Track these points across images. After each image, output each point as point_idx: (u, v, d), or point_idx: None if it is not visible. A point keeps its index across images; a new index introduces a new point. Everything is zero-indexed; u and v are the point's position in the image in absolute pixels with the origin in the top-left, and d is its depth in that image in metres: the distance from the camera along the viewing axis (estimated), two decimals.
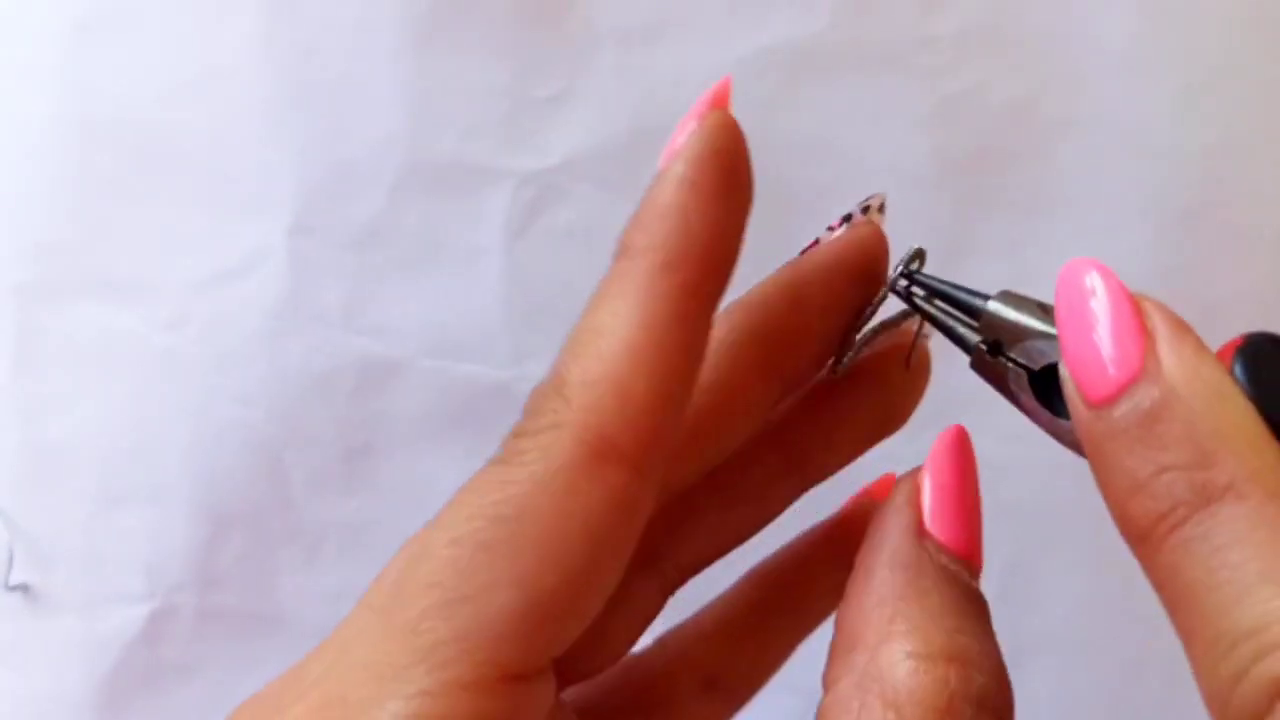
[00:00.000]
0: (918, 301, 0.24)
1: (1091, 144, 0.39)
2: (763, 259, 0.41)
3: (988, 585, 0.21)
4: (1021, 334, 0.22)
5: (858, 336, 0.24)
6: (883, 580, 0.21)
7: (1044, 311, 0.22)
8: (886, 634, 0.20)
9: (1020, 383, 0.22)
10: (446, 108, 0.39)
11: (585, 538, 0.19)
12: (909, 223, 0.40)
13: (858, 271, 0.25)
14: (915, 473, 0.22)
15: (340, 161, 0.39)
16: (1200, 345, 0.19)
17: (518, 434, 0.20)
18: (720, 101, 0.22)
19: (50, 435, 0.40)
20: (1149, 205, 0.40)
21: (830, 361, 0.25)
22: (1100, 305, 0.20)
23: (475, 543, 0.19)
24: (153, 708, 0.39)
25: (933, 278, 0.24)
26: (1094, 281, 0.20)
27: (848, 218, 0.25)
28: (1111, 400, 0.19)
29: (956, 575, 0.21)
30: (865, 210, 0.26)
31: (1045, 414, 0.21)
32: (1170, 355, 0.19)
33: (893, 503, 0.22)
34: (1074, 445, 0.21)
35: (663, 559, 0.24)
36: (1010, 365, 0.22)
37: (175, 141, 0.39)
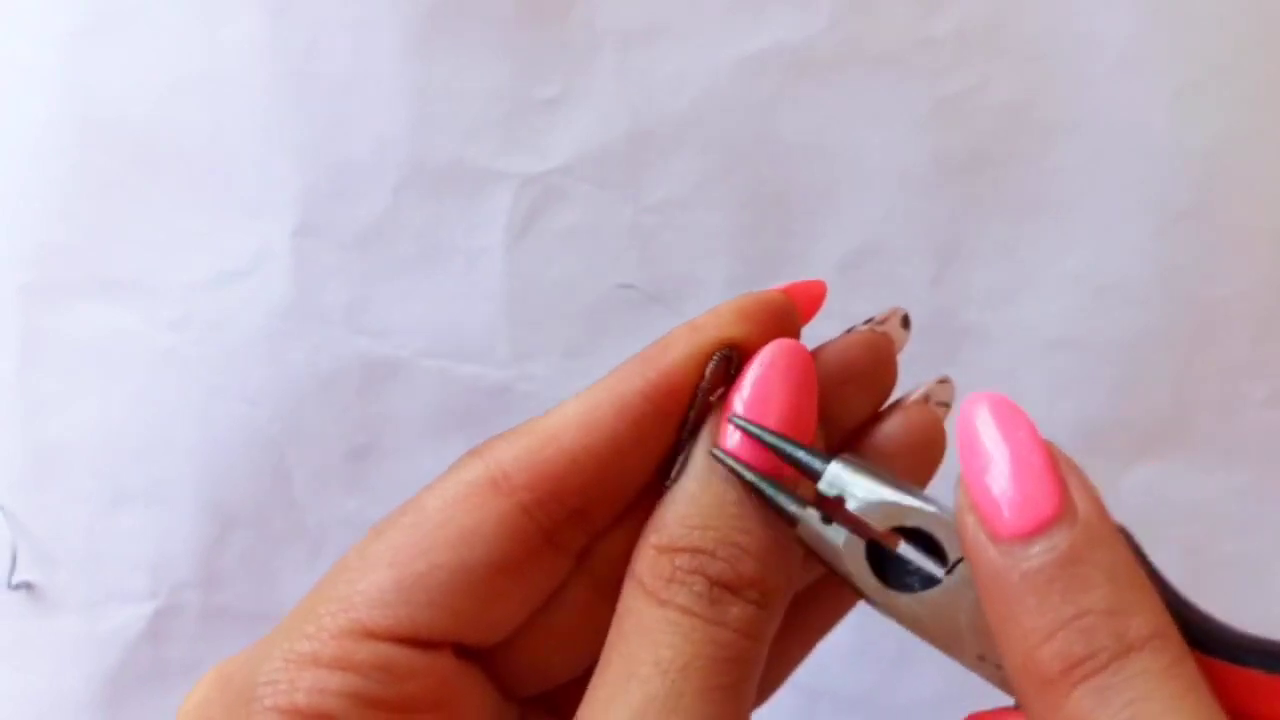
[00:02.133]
0: (731, 464, 0.23)
1: (1090, 144, 0.39)
2: (763, 258, 0.41)
3: None
4: (871, 496, 0.21)
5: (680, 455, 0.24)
6: (674, 487, 0.23)
7: (887, 478, 0.22)
8: (650, 531, 0.23)
9: (855, 552, 0.21)
10: (447, 109, 0.39)
11: (458, 541, 0.23)
12: (909, 223, 0.40)
13: (858, 381, 0.25)
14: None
15: (342, 162, 0.39)
16: (1099, 495, 0.20)
17: (465, 454, 0.24)
18: (792, 292, 0.25)
19: (54, 435, 0.40)
20: (1149, 205, 0.40)
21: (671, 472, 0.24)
22: (1008, 441, 0.20)
23: (379, 531, 0.23)
24: (156, 707, 0.40)
25: (765, 429, 0.23)
26: (999, 417, 0.20)
27: (868, 321, 0.26)
28: (1025, 537, 0.19)
29: (739, 485, 0.23)
30: (868, 322, 0.26)
31: (878, 587, 0.21)
32: (1083, 500, 0.19)
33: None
34: (911, 619, 0.21)
35: (613, 587, 0.25)
36: (848, 533, 0.21)
37: (177, 142, 0.39)
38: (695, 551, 0.22)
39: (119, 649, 0.39)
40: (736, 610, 0.22)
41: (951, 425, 0.22)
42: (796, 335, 0.25)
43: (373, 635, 0.22)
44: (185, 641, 0.40)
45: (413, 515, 0.23)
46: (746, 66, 0.39)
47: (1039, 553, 0.19)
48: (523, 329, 0.40)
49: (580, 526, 0.24)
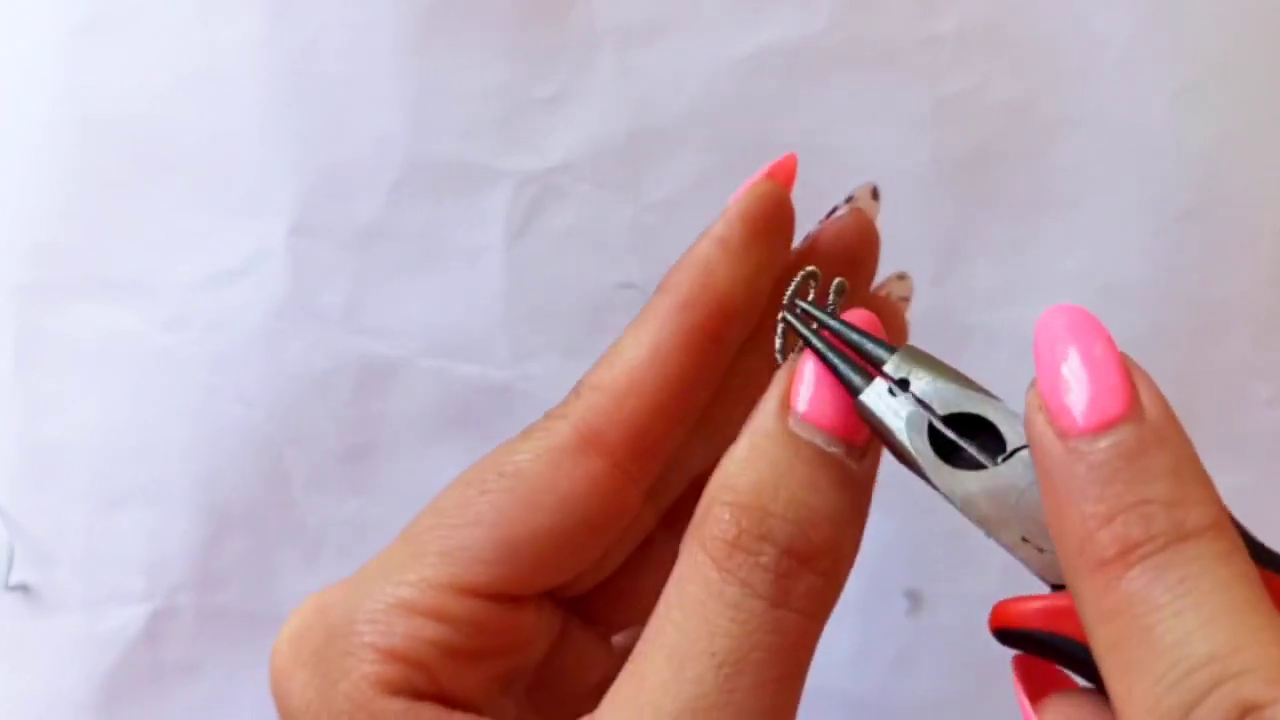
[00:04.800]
0: (805, 332, 0.23)
1: (1091, 144, 0.39)
2: None
3: None
4: (936, 381, 0.22)
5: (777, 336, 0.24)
6: (740, 443, 0.23)
7: (950, 369, 0.22)
8: (715, 487, 0.23)
9: (917, 426, 0.22)
10: (446, 108, 0.39)
11: (558, 507, 0.24)
12: (909, 223, 0.40)
13: (844, 262, 0.27)
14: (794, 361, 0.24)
15: (340, 161, 0.39)
16: (1169, 403, 0.20)
17: (545, 416, 0.25)
18: (777, 173, 0.27)
19: (51, 435, 0.40)
20: (1149, 205, 0.40)
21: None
22: (1083, 350, 0.20)
23: (477, 488, 0.24)
24: (153, 708, 0.39)
25: (836, 318, 0.23)
26: (1076, 326, 0.21)
27: (833, 211, 0.28)
28: (1093, 432, 0.19)
29: (811, 446, 0.22)
30: (849, 200, 0.27)
31: (936, 462, 0.22)
32: (1151, 400, 0.20)
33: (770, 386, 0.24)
34: (962, 495, 0.21)
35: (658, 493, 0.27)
36: (911, 407, 0.22)
37: (175, 141, 0.39)
38: (764, 513, 0.22)
39: (116, 650, 0.39)
40: (803, 586, 0.22)
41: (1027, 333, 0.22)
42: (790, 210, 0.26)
43: (471, 592, 0.23)
44: (182, 642, 0.40)
45: (512, 478, 0.24)
46: (746, 66, 0.39)
47: (1105, 446, 0.19)
48: (522, 329, 0.40)
49: (663, 464, 0.25)
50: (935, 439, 0.22)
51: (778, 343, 0.24)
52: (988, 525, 0.22)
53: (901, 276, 0.29)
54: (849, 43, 0.39)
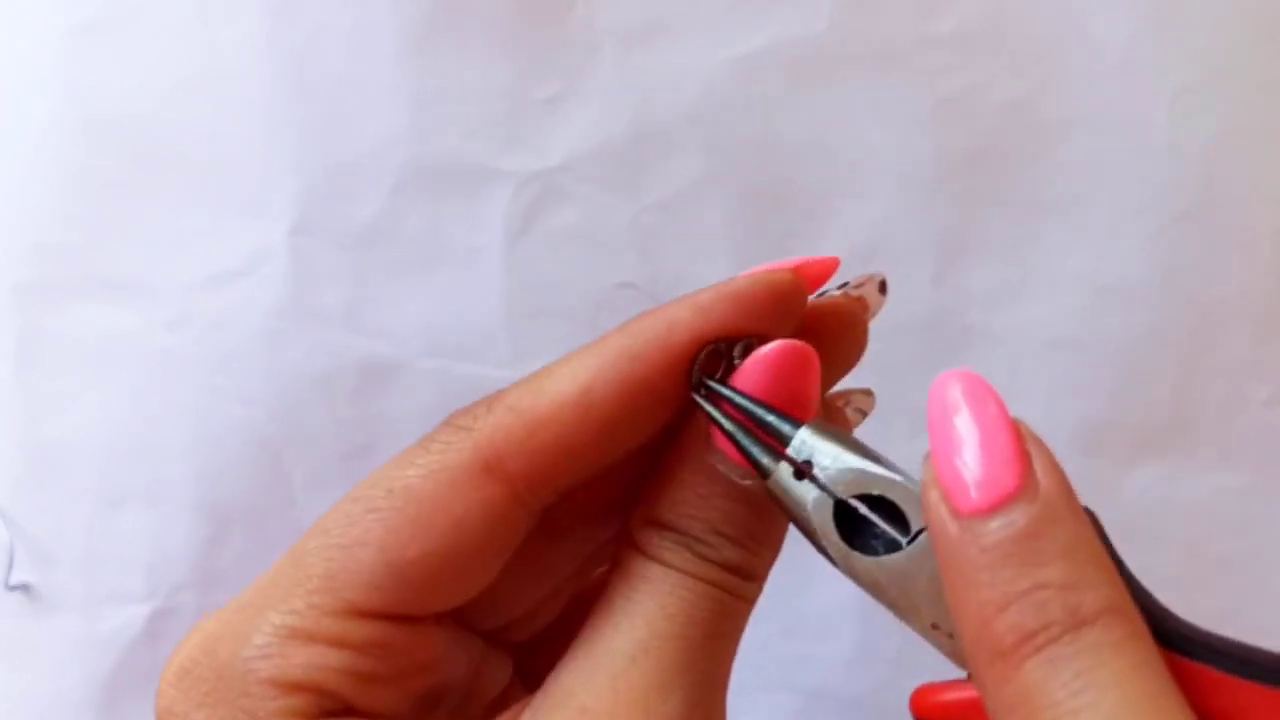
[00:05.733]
0: (711, 411, 0.23)
1: (1091, 144, 0.39)
2: (763, 257, 0.41)
3: None
4: (838, 463, 0.22)
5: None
6: (666, 471, 0.23)
7: (856, 445, 0.22)
8: (644, 514, 0.23)
9: (822, 510, 0.22)
10: (447, 108, 0.39)
11: (451, 530, 0.22)
12: (909, 223, 0.40)
13: (828, 348, 0.25)
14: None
15: (341, 162, 0.39)
16: (1065, 474, 0.20)
17: (444, 424, 0.24)
18: (806, 270, 0.24)
19: (51, 435, 0.40)
20: (1149, 205, 0.40)
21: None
22: (976, 418, 0.20)
23: (365, 505, 0.23)
24: (152, 708, 0.39)
25: (740, 393, 0.23)
26: (969, 394, 0.20)
27: (843, 285, 0.26)
28: (984, 512, 0.19)
29: (723, 476, 0.23)
30: (844, 286, 0.26)
31: (842, 548, 0.21)
32: (1046, 476, 0.19)
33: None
34: (870, 582, 0.21)
35: (563, 532, 0.26)
36: (817, 491, 0.22)
37: (176, 141, 0.39)
38: (685, 535, 0.23)
39: (116, 650, 0.39)
40: (723, 575, 0.23)
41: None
42: (800, 307, 0.24)
43: (364, 615, 0.22)
44: None
45: (401, 497, 0.23)
46: (747, 66, 0.39)
47: (997, 528, 0.19)
48: (522, 328, 0.40)
49: (560, 495, 0.24)
50: (844, 519, 0.22)
51: (695, 372, 0.23)
52: (897, 610, 0.21)
53: (868, 392, 0.28)
54: (849, 43, 0.39)
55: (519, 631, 0.28)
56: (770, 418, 0.22)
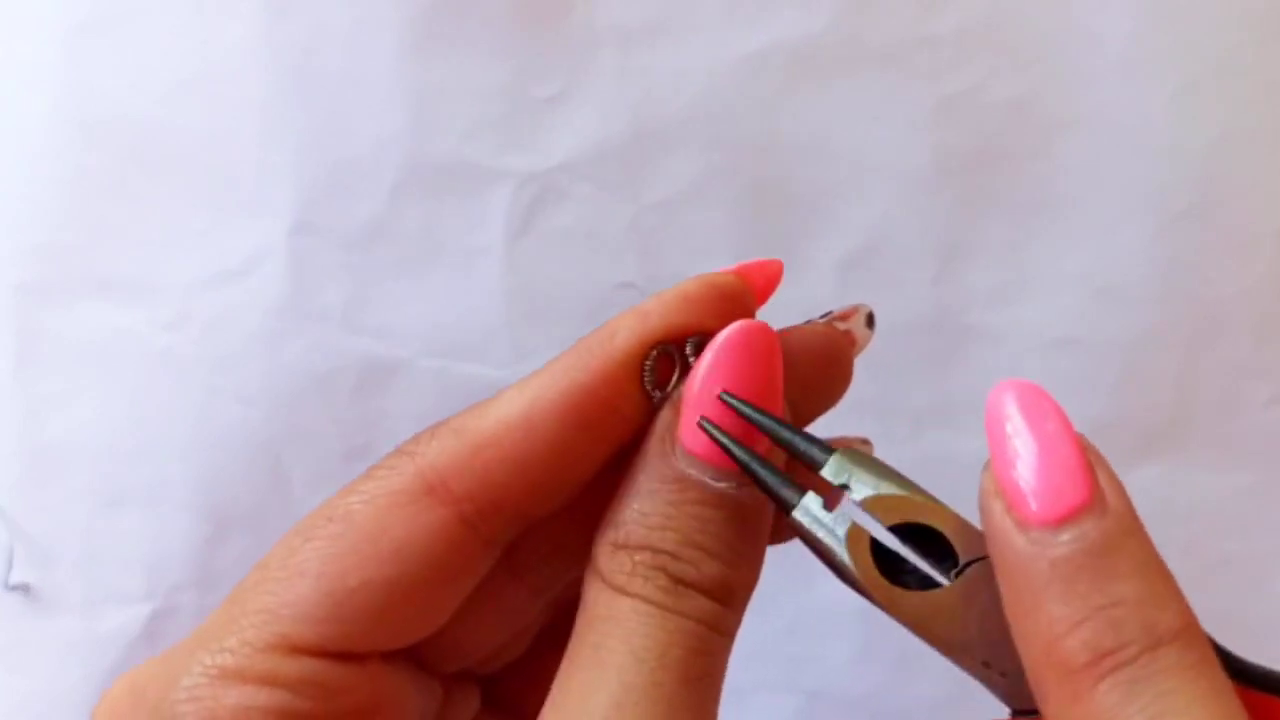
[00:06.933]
0: (725, 441, 0.21)
1: (1091, 143, 0.39)
2: (763, 257, 0.41)
3: None
4: (879, 490, 0.20)
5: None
6: (629, 484, 0.22)
7: (893, 472, 0.21)
8: (609, 530, 0.22)
9: (859, 544, 0.20)
10: (446, 108, 0.39)
11: (392, 556, 0.21)
12: (909, 222, 0.40)
13: (798, 383, 0.24)
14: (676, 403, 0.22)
15: (340, 161, 0.39)
16: (1125, 488, 0.19)
17: (393, 452, 0.23)
18: (749, 273, 0.24)
19: (51, 435, 0.40)
20: (1149, 205, 0.40)
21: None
22: (1038, 431, 0.19)
23: (304, 535, 0.22)
24: None
25: (762, 411, 0.21)
26: (1029, 405, 0.20)
27: (826, 314, 0.25)
28: (1054, 524, 0.18)
29: (699, 484, 0.21)
30: (827, 315, 0.25)
31: (883, 584, 0.20)
32: (1111, 488, 0.19)
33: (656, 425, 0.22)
34: (915, 620, 0.20)
35: (531, 570, 0.25)
36: (851, 522, 0.20)
37: (175, 141, 0.39)
38: (656, 551, 0.21)
39: (116, 650, 0.39)
40: (700, 604, 0.21)
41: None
42: (744, 308, 0.23)
43: (300, 650, 0.21)
44: None
45: (341, 524, 0.22)
46: (747, 66, 0.39)
47: (1069, 540, 0.18)
48: (522, 328, 0.40)
49: (517, 524, 0.23)
50: (880, 554, 0.20)
51: (647, 378, 0.22)
52: (944, 648, 0.20)
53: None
54: (849, 43, 0.39)
55: (486, 667, 0.26)
56: (800, 442, 0.21)
